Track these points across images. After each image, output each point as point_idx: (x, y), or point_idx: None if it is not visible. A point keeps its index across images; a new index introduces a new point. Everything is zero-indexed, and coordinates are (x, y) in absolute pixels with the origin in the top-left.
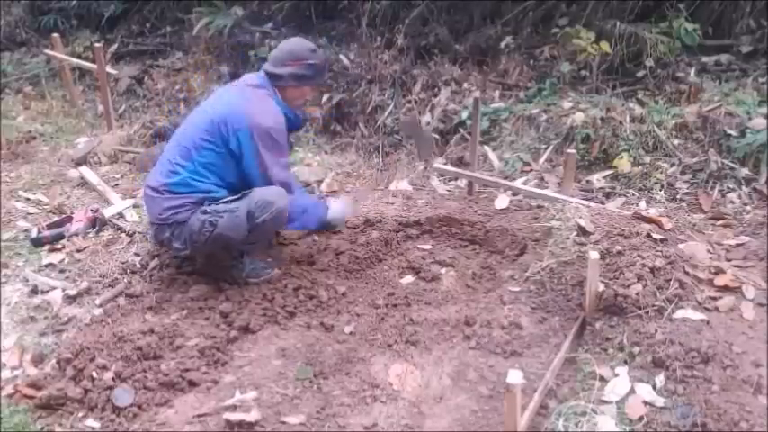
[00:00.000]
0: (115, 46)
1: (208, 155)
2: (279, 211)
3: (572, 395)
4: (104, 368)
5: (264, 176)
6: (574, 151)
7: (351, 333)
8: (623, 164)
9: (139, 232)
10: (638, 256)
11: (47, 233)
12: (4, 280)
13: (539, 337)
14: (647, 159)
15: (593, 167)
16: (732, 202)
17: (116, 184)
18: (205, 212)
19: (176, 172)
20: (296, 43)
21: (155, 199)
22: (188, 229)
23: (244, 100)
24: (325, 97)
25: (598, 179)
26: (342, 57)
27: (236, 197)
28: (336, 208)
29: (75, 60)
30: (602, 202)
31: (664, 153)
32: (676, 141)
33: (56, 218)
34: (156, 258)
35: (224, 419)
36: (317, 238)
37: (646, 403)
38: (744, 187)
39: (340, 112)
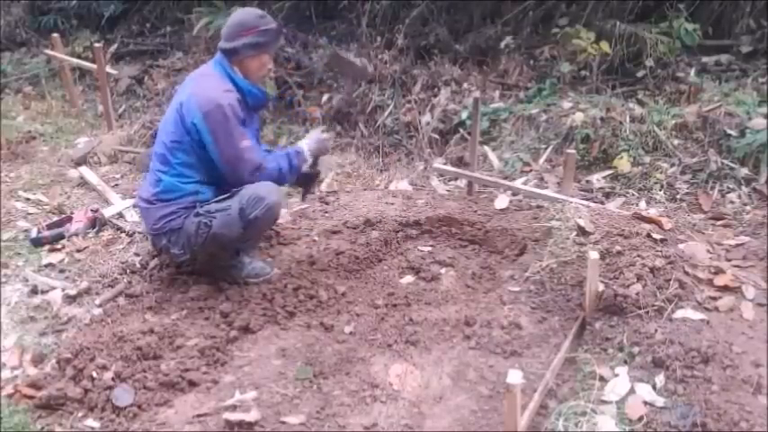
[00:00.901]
0: (115, 46)
1: (181, 155)
2: (270, 206)
3: (572, 395)
4: (104, 368)
5: (226, 163)
6: (574, 151)
7: (351, 333)
8: (623, 164)
9: (139, 232)
10: (638, 256)
11: (47, 233)
12: (4, 280)
13: (538, 337)
14: (647, 159)
15: (593, 167)
16: (732, 202)
17: (116, 184)
18: (198, 215)
19: (160, 179)
20: (244, 13)
21: (148, 210)
22: (184, 233)
23: (193, 87)
24: (325, 97)
25: (598, 179)
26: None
27: (227, 195)
28: (309, 144)
29: (75, 60)
30: (602, 202)
31: (664, 153)
32: (676, 141)
33: (56, 218)
34: (156, 258)
35: (224, 419)
36: (316, 238)
37: (646, 403)
38: (744, 187)
39: (340, 112)
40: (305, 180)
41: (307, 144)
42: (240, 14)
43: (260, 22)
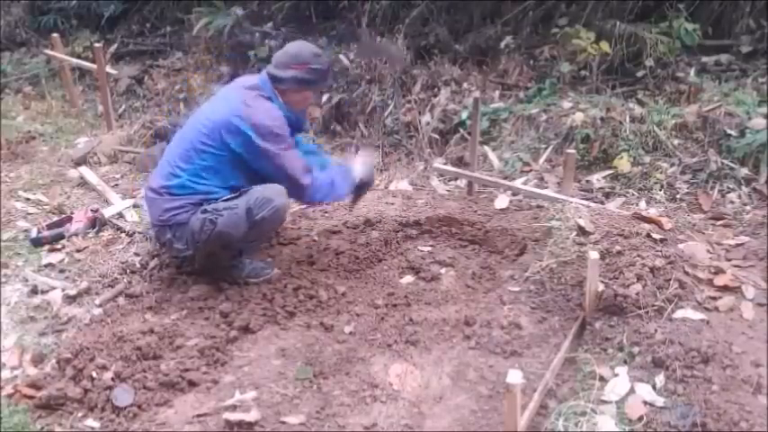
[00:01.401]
0: (115, 46)
1: (208, 158)
2: (277, 208)
3: (572, 395)
4: (104, 368)
5: (283, 174)
6: (573, 151)
7: (351, 333)
8: (623, 164)
9: (139, 232)
10: (638, 256)
11: (47, 233)
12: (4, 280)
13: (538, 337)
14: (647, 159)
15: (593, 167)
16: (732, 202)
17: (116, 184)
18: (205, 211)
19: (176, 174)
20: (300, 47)
21: (155, 200)
22: (189, 229)
23: (240, 102)
24: (325, 97)
25: (598, 179)
26: (342, 57)
27: (235, 195)
28: (359, 168)
29: (74, 60)
30: (602, 202)
31: (663, 153)
32: (676, 141)
33: (56, 218)
34: (156, 258)
35: (224, 419)
36: (316, 238)
37: (645, 403)
38: (743, 187)
39: (340, 112)
40: (356, 190)
41: (357, 170)
42: (296, 47)
43: (312, 60)
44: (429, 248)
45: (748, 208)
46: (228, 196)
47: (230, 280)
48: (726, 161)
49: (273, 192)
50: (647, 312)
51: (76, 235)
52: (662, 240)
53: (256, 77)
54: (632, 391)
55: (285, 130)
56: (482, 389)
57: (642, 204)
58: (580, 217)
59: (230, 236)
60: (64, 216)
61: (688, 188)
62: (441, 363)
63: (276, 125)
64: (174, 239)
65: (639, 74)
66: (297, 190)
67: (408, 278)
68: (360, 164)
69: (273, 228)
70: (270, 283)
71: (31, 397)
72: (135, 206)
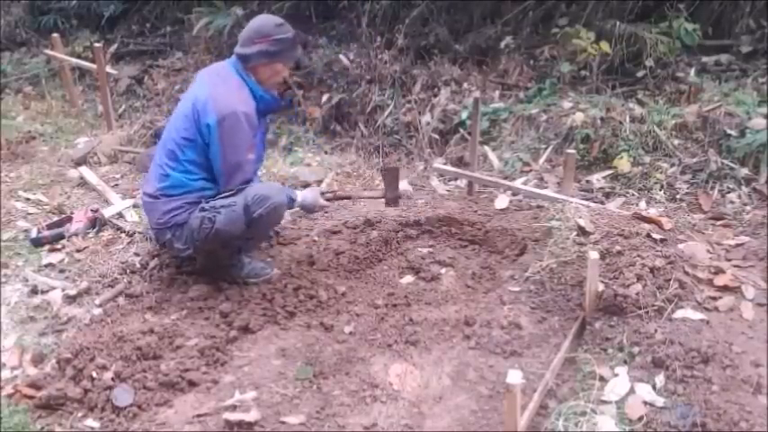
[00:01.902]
0: (115, 46)
1: (190, 153)
2: (275, 205)
3: (572, 395)
4: (104, 368)
5: (225, 169)
6: (574, 151)
7: (350, 333)
8: (623, 164)
9: (139, 232)
10: (638, 256)
11: (46, 233)
12: (4, 280)
13: (538, 337)
14: (647, 159)
15: (593, 167)
16: (732, 202)
17: (116, 184)
18: (203, 209)
19: (167, 174)
20: (262, 20)
21: (153, 204)
22: (188, 228)
23: (212, 89)
24: (324, 97)
25: (598, 179)
26: (342, 57)
27: (232, 192)
28: (308, 198)
29: (74, 60)
30: (602, 202)
31: (663, 153)
32: (676, 141)
33: (56, 218)
34: (156, 258)
35: (224, 419)
36: (316, 238)
37: (645, 403)
38: (743, 187)
39: (340, 112)
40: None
41: (302, 194)
42: (257, 22)
43: (274, 31)
44: (429, 248)
45: (748, 208)
46: (225, 194)
47: (230, 279)
48: (726, 161)
49: (271, 189)
50: (647, 312)
51: (76, 235)
52: (662, 240)
53: (226, 62)
54: (632, 391)
55: (249, 124)
56: (482, 389)
57: (642, 204)
58: (580, 217)
59: (229, 233)
60: (64, 216)
61: (688, 188)
62: (441, 363)
63: (240, 114)
64: (173, 239)
65: (639, 74)
66: (234, 185)
67: (408, 278)
68: (307, 192)
69: (272, 225)
70: (270, 283)
71: (31, 397)
72: (135, 206)
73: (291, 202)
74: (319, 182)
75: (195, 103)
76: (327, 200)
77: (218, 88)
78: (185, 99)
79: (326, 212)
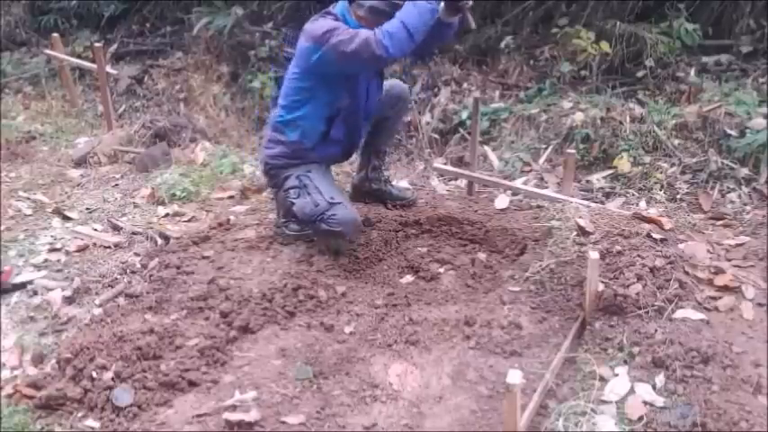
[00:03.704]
0: (115, 46)
1: (301, 81)
2: (340, 232)
3: (572, 395)
4: (104, 368)
5: (346, 52)
6: (574, 151)
7: (351, 333)
8: (623, 164)
9: (139, 233)
10: (638, 256)
11: None
12: None
13: (538, 336)
14: (647, 159)
15: (593, 167)
16: (732, 202)
17: (116, 184)
18: (298, 178)
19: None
20: None
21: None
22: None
23: (310, 24)
24: None
25: (598, 179)
26: None
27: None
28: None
29: (74, 60)
30: (602, 202)
31: (664, 153)
32: (676, 141)
33: None
34: (156, 258)
35: (224, 419)
36: (315, 238)
37: (645, 403)
38: (744, 187)
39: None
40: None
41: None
42: None
43: None
44: (429, 248)
45: (748, 208)
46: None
47: (229, 278)
48: (726, 161)
49: (349, 219)
50: (647, 312)
51: None
52: (662, 240)
53: (334, 4)
54: (632, 391)
55: (341, 25)
56: (482, 389)
57: (642, 204)
58: (580, 217)
59: (300, 215)
60: None
61: (688, 188)
62: (441, 363)
63: (336, 26)
64: (268, 178)
65: (640, 74)
66: (375, 60)
67: (408, 278)
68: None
69: (333, 238)
70: (269, 282)
71: (30, 397)
72: (135, 206)
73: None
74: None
75: (299, 43)
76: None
77: (314, 23)
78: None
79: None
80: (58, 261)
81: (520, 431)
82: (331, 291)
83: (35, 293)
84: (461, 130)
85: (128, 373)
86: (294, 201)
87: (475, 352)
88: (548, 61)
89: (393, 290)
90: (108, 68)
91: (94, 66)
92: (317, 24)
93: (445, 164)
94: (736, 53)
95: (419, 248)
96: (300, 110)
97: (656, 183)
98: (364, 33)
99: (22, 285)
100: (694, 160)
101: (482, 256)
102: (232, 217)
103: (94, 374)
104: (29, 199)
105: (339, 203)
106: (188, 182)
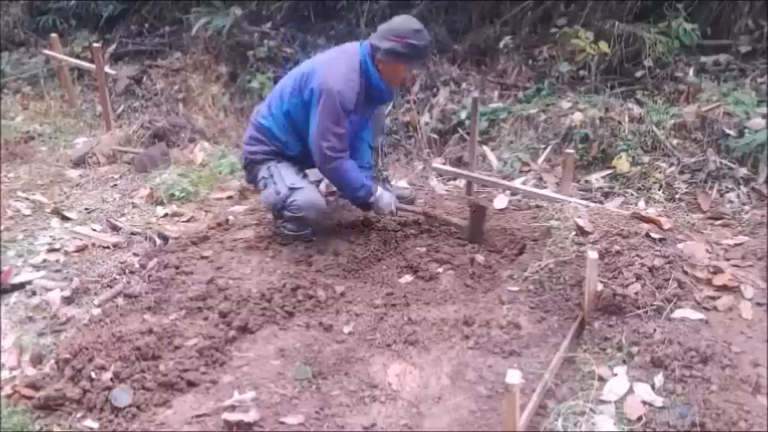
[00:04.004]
0: (114, 46)
1: (291, 103)
2: (303, 215)
3: (571, 395)
4: (103, 368)
5: (313, 137)
6: (572, 151)
7: (350, 333)
8: (622, 164)
9: (138, 233)
10: (637, 255)
11: None
12: None
13: (537, 336)
14: (646, 159)
15: (592, 167)
16: (731, 202)
17: (114, 185)
18: (269, 170)
19: (266, 116)
20: (402, 21)
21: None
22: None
23: (328, 60)
24: None
25: (597, 179)
26: None
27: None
28: (384, 199)
29: (73, 60)
30: (601, 202)
31: (662, 153)
32: (675, 141)
33: None
34: (155, 258)
35: (223, 420)
36: (314, 238)
37: (644, 403)
38: (742, 187)
39: None
40: (362, 206)
41: (379, 194)
42: (398, 20)
43: (409, 35)
44: (427, 248)
45: (747, 208)
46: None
47: (228, 278)
48: (724, 161)
49: (312, 200)
50: (646, 312)
51: None
52: (661, 240)
53: (361, 44)
54: (631, 390)
55: (345, 104)
56: (481, 389)
57: (641, 204)
58: (579, 217)
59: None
60: None
61: (687, 188)
62: (440, 363)
63: (341, 94)
64: (247, 172)
65: (638, 74)
66: (318, 155)
67: (407, 278)
68: (386, 196)
69: (301, 223)
70: (269, 282)
71: (29, 397)
72: (133, 206)
73: (365, 197)
74: (318, 182)
75: (312, 67)
76: (419, 213)
77: (331, 63)
78: (310, 60)
79: (324, 212)
80: (57, 261)
81: (519, 431)
82: (330, 291)
83: (34, 294)
84: (460, 130)
85: (127, 374)
86: (262, 191)
87: (474, 352)
88: (546, 61)
89: (392, 290)
90: (107, 69)
91: (93, 66)
92: (332, 81)
93: (444, 164)
94: (735, 53)
95: (418, 248)
96: (286, 133)
97: (654, 182)
98: (333, 146)
99: (21, 285)
100: (693, 160)
101: (481, 256)
102: (231, 217)
103: (93, 375)
104: (27, 199)
105: (299, 188)
106: (187, 182)
